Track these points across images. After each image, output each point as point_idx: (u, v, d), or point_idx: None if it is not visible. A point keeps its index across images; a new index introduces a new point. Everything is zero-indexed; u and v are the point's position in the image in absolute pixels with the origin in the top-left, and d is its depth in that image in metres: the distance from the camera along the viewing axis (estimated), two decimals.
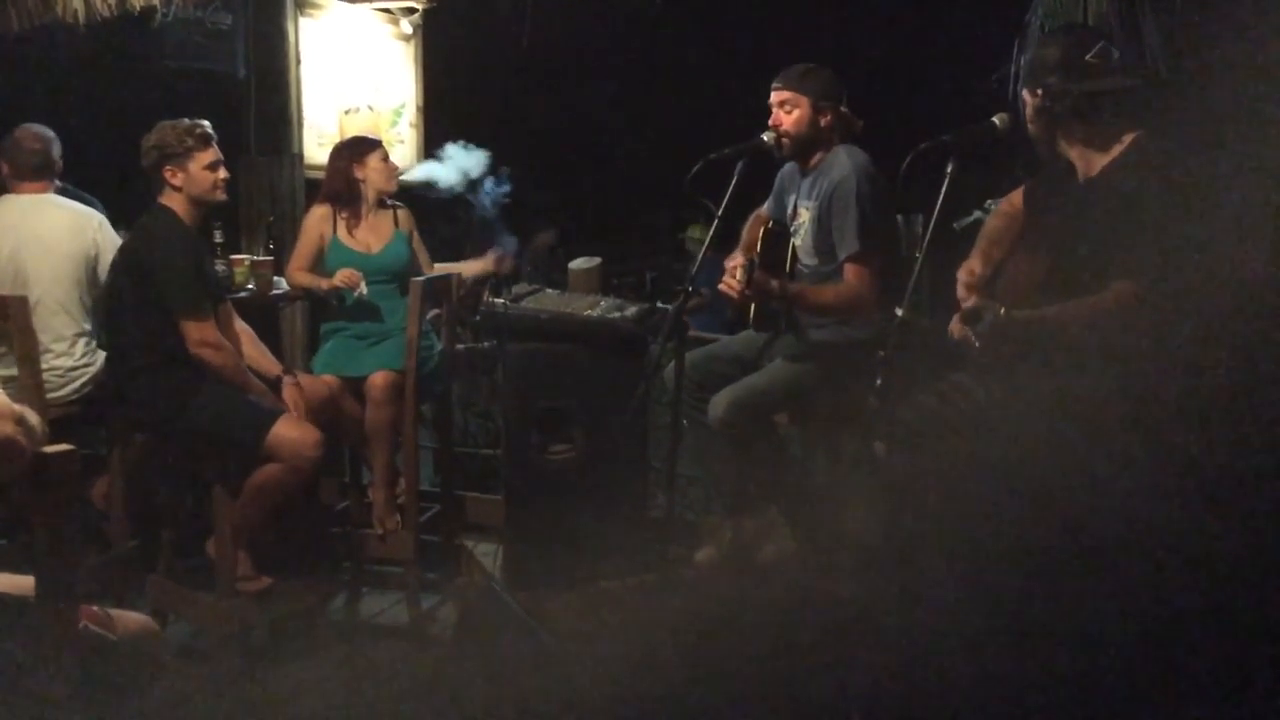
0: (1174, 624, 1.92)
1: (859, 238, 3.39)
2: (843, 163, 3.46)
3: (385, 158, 4.33)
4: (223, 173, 3.64)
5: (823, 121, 3.50)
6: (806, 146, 3.53)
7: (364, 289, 4.12)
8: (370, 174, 4.26)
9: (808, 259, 3.58)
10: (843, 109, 3.54)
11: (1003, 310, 2.60)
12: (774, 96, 3.53)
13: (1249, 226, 2.45)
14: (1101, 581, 2.02)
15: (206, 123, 3.64)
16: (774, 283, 3.32)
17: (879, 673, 2.05)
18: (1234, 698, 1.85)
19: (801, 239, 3.59)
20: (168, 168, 3.55)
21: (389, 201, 4.38)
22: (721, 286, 3.26)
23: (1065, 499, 2.23)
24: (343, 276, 4.11)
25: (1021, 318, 2.64)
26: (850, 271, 3.43)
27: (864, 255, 3.40)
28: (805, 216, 3.57)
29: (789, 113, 3.49)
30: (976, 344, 2.63)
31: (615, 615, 3.21)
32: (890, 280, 3.40)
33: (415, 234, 4.45)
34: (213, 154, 3.60)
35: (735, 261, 3.27)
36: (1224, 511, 2.03)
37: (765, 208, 3.85)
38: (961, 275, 2.96)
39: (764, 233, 3.64)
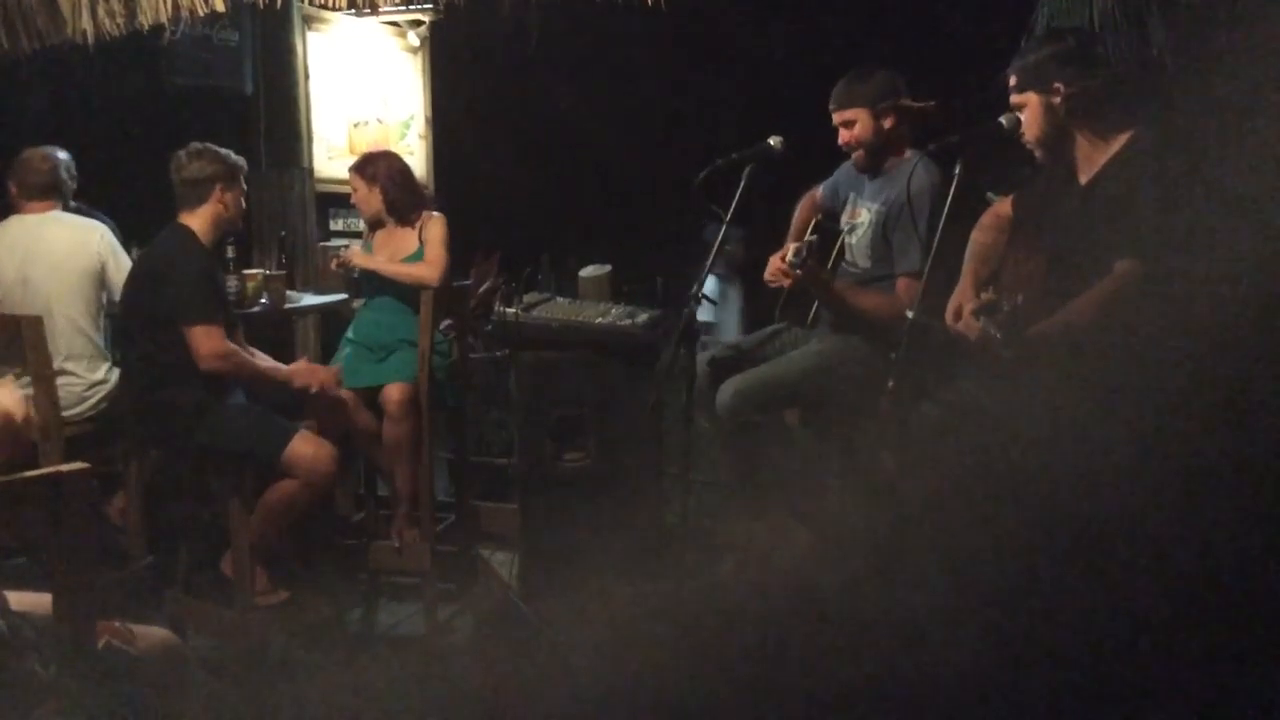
0: (1184, 623, 1.91)
1: (922, 257, 3.35)
2: (920, 177, 3.32)
3: None
4: (244, 203, 3.79)
5: (887, 124, 3.47)
6: (879, 153, 3.50)
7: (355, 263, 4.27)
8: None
9: (860, 260, 3.54)
10: (903, 102, 3.49)
11: (1020, 298, 2.57)
12: (835, 119, 3.51)
13: (1253, 217, 2.44)
14: (1109, 583, 2.02)
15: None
16: (824, 274, 3.30)
17: (891, 678, 2.05)
18: (1231, 695, 1.85)
19: (857, 239, 3.55)
20: (220, 185, 3.63)
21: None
22: (772, 269, 3.26)
23: (1071, 503, 2.22)
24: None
25: (1035, 332, 2.61)
26: (904, 285, 3.39)
27: (921, 274, 3.37)
28: (865, 218, 3.53)
29: (852, 129, 3.48)
30: (998, 335, 2.59)
31: (631, 623, 3.21)
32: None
33: (436, 240, 4.21)
34: (244, 186, 3.76)
35: (788, 247, 3.28)
36: (1227, 505, 2.02)
37: (820, 190, 3.82)
38: (951, 309, 2.92)
39: (814, 225, 3.62)
